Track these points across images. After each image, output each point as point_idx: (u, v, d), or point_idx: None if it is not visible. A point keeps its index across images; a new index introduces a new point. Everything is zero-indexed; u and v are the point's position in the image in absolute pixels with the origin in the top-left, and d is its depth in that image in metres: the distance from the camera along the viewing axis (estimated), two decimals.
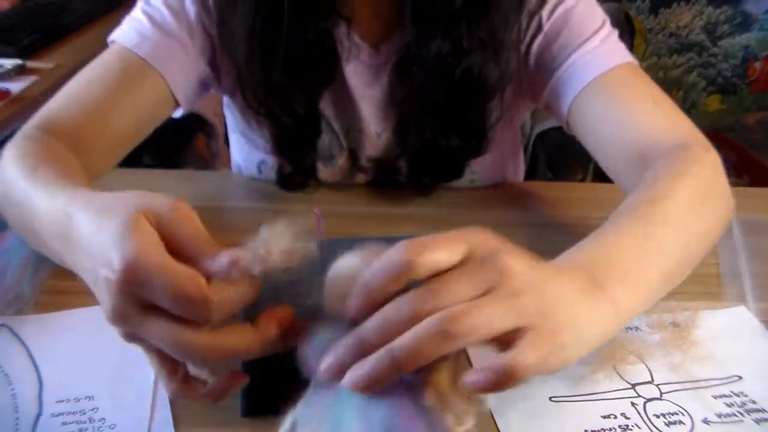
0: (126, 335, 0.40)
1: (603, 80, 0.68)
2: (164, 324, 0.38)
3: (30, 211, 0.50)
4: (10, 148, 0.59)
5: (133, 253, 0.37)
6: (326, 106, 0.78)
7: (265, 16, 0.68)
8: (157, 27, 0.70)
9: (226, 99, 0.86)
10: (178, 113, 0.76)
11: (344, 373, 0.38)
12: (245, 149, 0.88)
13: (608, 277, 0.44)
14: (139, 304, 0.38)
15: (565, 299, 0.41)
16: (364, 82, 0.77)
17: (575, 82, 0.69)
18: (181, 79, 0.72)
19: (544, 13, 0.72)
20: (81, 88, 0.68)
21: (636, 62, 0.71)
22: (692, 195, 0.55)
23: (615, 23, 0.74)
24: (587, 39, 0.70)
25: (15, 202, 0.53)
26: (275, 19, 0.67)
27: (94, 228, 0.41)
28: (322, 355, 0.39)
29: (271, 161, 0.82)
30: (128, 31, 0.71)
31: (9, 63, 1.29)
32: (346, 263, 0.40)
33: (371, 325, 0.38)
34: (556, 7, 0.72)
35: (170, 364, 0.42)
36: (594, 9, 0.73)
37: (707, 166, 0.59)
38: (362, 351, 0.38)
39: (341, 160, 0.83)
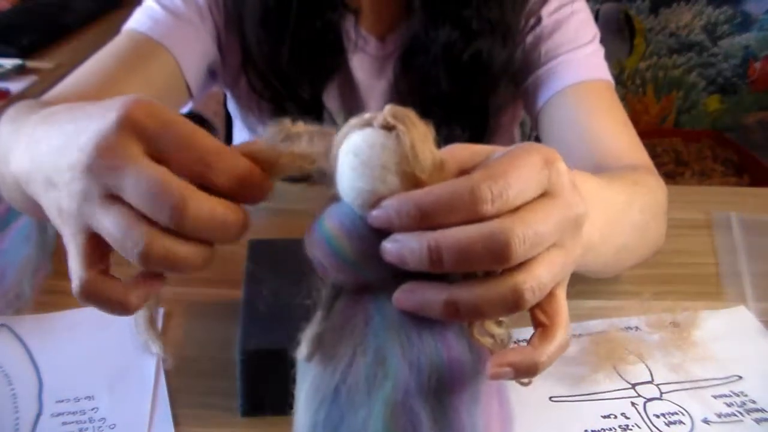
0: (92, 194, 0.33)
1: (582, 87, 0.71)
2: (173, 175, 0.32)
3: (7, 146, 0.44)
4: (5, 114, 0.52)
5: (137, 101, 0.33)
6: (331, 99, 0.79)
7: (275, 4, 0.70)
8: (168, 11, 0.71)
9: (228, 92, 0.85)
10: (184, 109, 0.76)
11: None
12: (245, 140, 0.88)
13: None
14: (140, 150, 0.32)
15: None
16: (370, 74, 0.78)
17: (557, 82, 0.72)
18: (191, 61, 0.71)
19: (545, 11, 0.74)
20: (90, 67, 0.65)
21: (613, 83, 0.74)
22: (648, 203, 0.57)
23: (615, 23, 0.75)
24: (579, 46, 0.73)
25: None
26: (285, 7, 0.70)
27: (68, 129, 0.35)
28: (329, 249, 0.32)
29: None
30: (139, 18, 0.71)
31: (9, 63, 1.29)
32: (372, 140, 0.31)
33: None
34: (558, 9, 0.74)
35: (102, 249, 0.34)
36: (590, 22, 0.76)
37: (660, 190, 0.62)
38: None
39: None
